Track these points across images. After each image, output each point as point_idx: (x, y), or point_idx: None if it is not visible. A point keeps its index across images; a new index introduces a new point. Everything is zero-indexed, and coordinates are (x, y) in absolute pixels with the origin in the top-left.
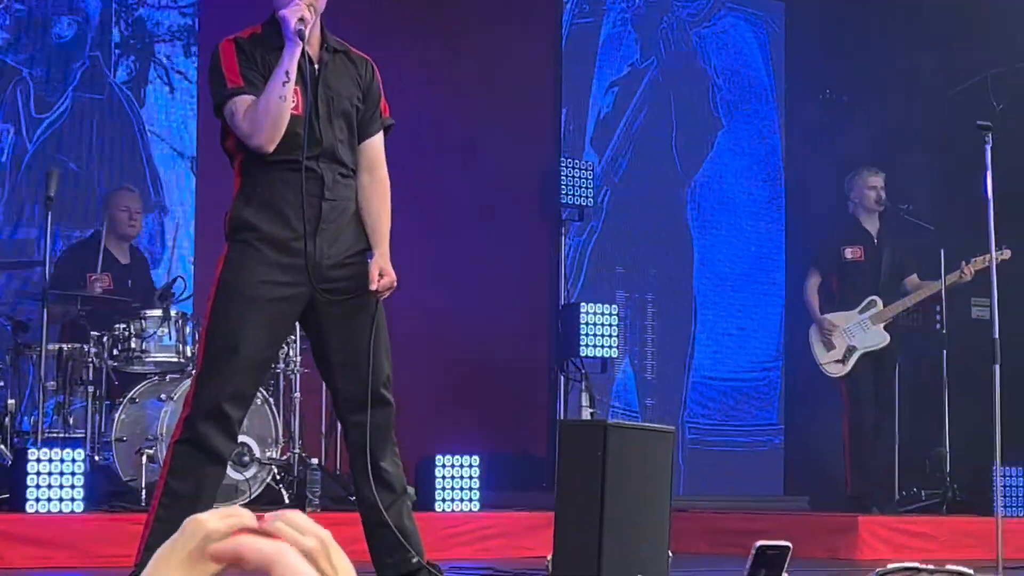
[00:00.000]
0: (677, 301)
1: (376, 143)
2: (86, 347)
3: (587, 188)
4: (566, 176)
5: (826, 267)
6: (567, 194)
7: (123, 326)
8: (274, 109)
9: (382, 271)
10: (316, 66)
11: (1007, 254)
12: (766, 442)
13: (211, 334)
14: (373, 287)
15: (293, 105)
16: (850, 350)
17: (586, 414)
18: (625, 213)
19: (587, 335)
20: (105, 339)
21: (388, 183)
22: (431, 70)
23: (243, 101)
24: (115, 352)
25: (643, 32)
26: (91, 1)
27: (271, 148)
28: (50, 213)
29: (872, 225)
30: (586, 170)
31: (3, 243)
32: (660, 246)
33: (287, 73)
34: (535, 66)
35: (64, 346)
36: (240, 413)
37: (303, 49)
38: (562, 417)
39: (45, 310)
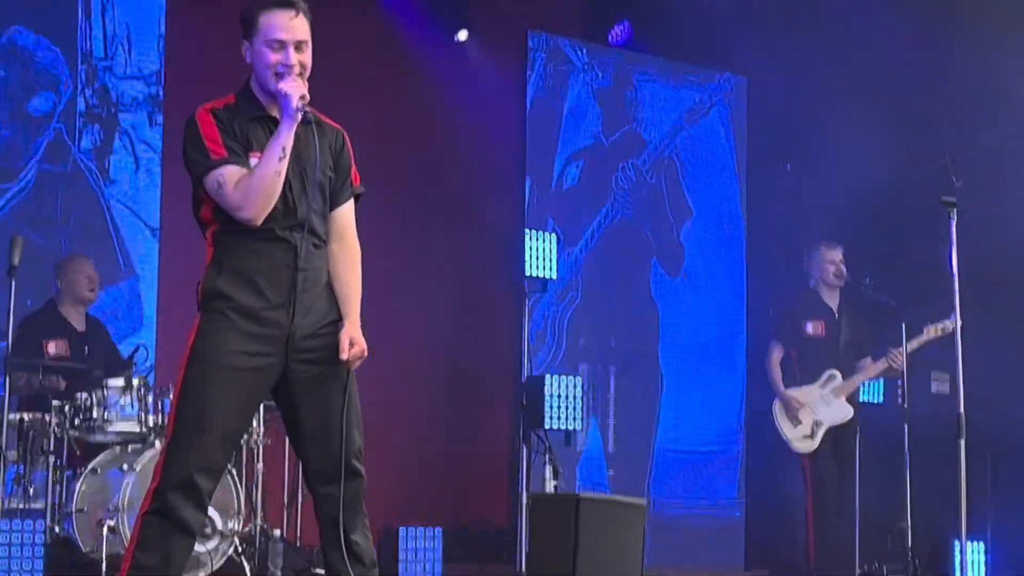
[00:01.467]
0: (639, 373)
1: (346, 211)
2: (47, 416)
3: (550, 260)
4: (530, 248)
5: (787, 340)
6: (531, 266)
7: (85, 395)
8: (268, 184)
9: (353, 340)
10: None
11: (949, 325)
12: (727, 514)
13: (182, 404)
14: (343, 356)
15: None
16: (817, 424)
17: (550, 487)
18: (588, 285)
19: (551, 407)
20: (67, 408)
21: (359, 251)
22: (396, 138)
23: (231, 172)
24: (76, 421)
25: (606, 105)
26: (63, 75)
27: (260, 222)
28: (14, 282)
29: (833, 300)
30: (549, 242)
31: None
32: (623, 318)
33: (284, 149)
34: (499, 136)
35: (25, 415)
36: (211, 484)
37: (276, 120)
38: (525, 489)
39: (7, 380)
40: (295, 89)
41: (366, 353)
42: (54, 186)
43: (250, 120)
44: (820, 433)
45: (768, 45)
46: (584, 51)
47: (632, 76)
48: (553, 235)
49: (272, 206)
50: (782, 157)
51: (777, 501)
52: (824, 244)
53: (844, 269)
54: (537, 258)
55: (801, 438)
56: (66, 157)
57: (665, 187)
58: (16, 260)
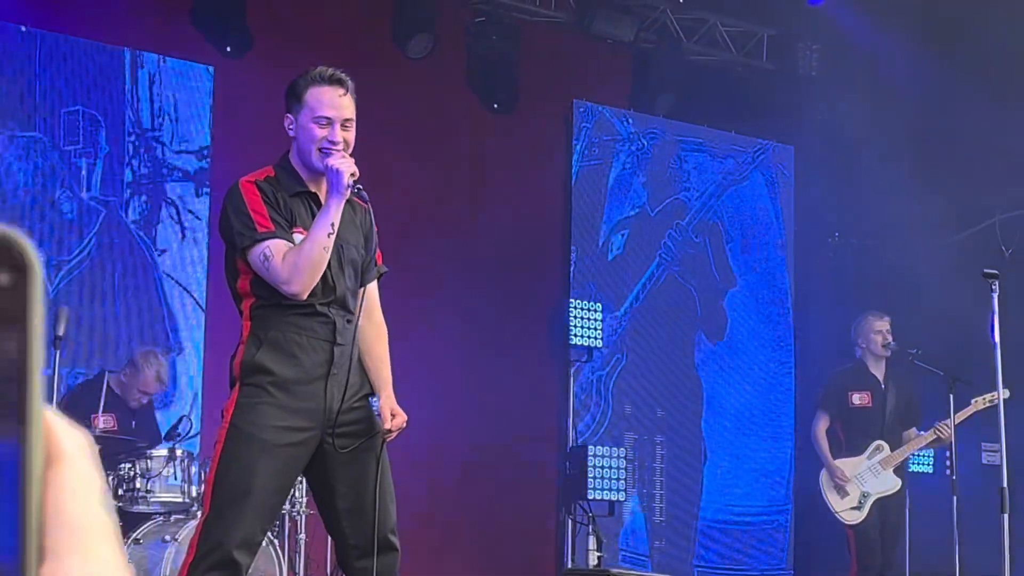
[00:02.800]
0: (686, 443)
1: (373, 289)
2: None
3: (596, 329)
4: (575, 317)
5: (833, 410)
6: (576, 335)
7: (128, 465)
8: (317, 259)
9: (393, 411)
10: None
11: (1005, 394)
12: None
13: (220, 479)
14: (387, 426)
15: None
16: (864, 496)
17: (593, 558)
18: (633, 354)
19: (595, 478)
20: (110, 478)
21: (385, 327)
22: (442, 206)
23: (277, 246)
24: (120, 491)
25: (651, 176)
26: (113, 147)
27: (306, 296)
28: (58, 353)
29: (879, 370)
30: (595, 311)
31: None
32: (669, 387)
33: (333, 225)
34: (545, 206)
35: None
36: (248, 559)
37: (315, 196)
38: (570, 560)
39: None
40: (346, 166)
41: (406, 423)
42: (107, 259)
43: (292, 195)
44: (868, 504)
45: (814, 114)
46: (630, 121)
47: (677, 145)
48: (598, 304)
49: (316, 281)
50: (829, 226)
51: (827, 571)
52: (871, 314)
53: (891, 339)
54: (583, 327)
55: (848, 509)
56: (119, 230)
57: (710, 251)
58: (61, 331)
